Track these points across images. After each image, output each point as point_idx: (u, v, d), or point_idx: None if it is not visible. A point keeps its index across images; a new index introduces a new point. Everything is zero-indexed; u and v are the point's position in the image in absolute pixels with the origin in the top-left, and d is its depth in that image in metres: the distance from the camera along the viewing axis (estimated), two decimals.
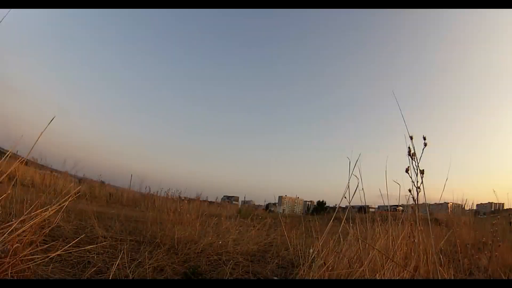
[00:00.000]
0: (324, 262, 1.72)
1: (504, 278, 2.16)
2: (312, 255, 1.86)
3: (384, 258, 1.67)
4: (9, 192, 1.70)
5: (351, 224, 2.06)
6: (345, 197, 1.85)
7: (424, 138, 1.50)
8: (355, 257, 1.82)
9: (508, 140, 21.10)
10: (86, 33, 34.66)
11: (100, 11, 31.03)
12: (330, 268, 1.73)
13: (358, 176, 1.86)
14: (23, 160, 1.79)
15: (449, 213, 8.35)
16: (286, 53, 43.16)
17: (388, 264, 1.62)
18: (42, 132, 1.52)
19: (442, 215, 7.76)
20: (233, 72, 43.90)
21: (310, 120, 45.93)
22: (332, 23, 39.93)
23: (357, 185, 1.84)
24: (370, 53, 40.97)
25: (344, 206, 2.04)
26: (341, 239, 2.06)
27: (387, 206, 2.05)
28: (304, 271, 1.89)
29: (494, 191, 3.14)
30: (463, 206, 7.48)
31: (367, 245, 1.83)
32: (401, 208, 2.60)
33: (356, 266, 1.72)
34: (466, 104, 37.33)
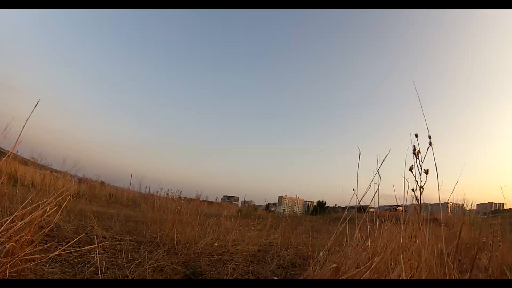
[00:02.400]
0: (337, 266, 1.69)
1: (504, 278, 2.16)
2: (324, 256, 1.83)
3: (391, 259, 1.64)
4: (5, 191, 1.69)
5: (357, 223, 2.02)
6: (357, 197, 1.83)
7: (429, 137, 1.48)
8: (364, 258, 1.79)
9: (508, 139, 21.05)
10: (86, 33, 34.67)
11: (101, 11, 31.05)
12: (340, 272, 1.69)
13: (359, 176, 1.85)
14: (10, 154, 1.76)
15: (449, 213, 8.34)
16: (287, 54, 43.21)
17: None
18: (27, 120, 1.50)
19: (442, 215, 7.73)
20: (234, 73, 43.95)
21: (310, 120, 46.00)
22: (332, 24, 39.95)
23: (356, 186, 1.82)
24: (371, 54, 40.98)
25: (344, 206, 2.03)
26: (347, 240, 2.04)
27: (387, 206, 2.05)
28: (315, 271, 1.85)
29: (501, 188, 3.09)
30: (463, 206, 7.47)
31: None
32: (401, 208, 2.60)
33: (363, 268, 1.69)
34: (466, 103, 37.34)
